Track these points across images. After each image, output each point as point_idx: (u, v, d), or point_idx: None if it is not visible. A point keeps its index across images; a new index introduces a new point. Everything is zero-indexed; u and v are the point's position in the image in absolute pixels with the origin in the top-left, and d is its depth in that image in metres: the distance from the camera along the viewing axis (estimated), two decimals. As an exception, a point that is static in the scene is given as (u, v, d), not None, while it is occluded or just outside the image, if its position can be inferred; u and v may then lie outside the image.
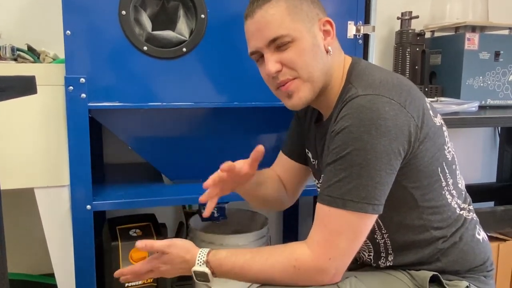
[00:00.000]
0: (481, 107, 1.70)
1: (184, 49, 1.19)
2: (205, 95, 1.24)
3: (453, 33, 1.78)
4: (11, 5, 1.53)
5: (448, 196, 0.91)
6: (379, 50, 1.93)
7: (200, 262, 0.89)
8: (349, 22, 1.30)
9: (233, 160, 1.18)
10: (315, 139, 1.01)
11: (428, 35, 1.85)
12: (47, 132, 1.18)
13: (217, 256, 0.89)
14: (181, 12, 1.19)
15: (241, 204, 1.70)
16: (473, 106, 1.60)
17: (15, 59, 1.28)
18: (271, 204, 1.15)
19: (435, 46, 1.82)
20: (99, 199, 1.23)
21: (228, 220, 1.53)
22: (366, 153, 0.78)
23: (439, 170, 0.88)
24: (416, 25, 1.80)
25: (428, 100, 0.92)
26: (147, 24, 1.17)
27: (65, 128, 1.16)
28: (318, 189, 1.06)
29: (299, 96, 0.90)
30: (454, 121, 1.45)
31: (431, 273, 0.90)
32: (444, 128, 0.93)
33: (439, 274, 0.90)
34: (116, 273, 0.96)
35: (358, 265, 1.02)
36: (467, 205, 0.96)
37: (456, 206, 0.92)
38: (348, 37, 1.31)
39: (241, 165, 0.95)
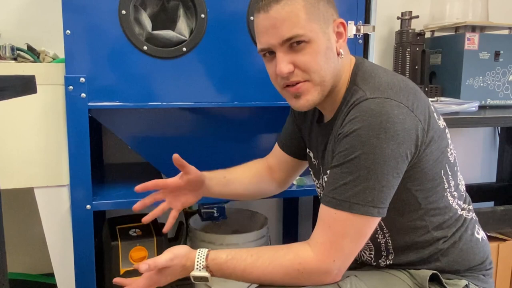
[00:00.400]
0: (481, 107, 1.70)
1: (184, 49, 1.19)
2: (205, 95, 1.24)
3: (453, 33, 1.78)
4: (11, 4, 1.52)
5: (450, 198, 0.91)
6: (379, 50, 1.93)
7: (200, 267, 0.88)
8: (349, 22, 1.30)
9: (233, 160, 1.19)
10: (317, 140, 1.01)
11: (428, 35, 1.85)
12: (47, 132, 1.18)
13: (217, 260, 0.88)
14: (181, 12, 1.19)
15: (241, 204, 1.70)
16: (473, 106, 1.60)
17: (15, 59, 1.28)
18: (252, 197, 1.21)
19: (435, 46, 1.82)
20: (99, 198, 1.23)
21: (227, 220, 1.53)
22: (374, 157, 0.78)
23: (442, 172, 0.88)
24: (416, 25, 1.80)
25: (431, 102, 0.92)
26: (147, 23, 1.17)
27: (65, 127, 1.16)
28: (318, 189, 1.07)
29: (307, 98, 0.88)
30: (454, 121, 1.45)
31: (430, 272, 0.90)
32: (447, 130, 0.93)
33: (438, 273, 0.90)
34: (116, 280, 0.96)
35: (358, 264, 1.02)
36: (467, 205, 0.96)
37: (457, 207, 0.93)
38: (348, 37, 1.30)
39: (173, 179, 1.06)
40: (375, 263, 0.98)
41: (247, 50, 1.23)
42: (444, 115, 1.36)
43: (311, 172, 1.09)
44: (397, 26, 1.83)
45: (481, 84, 1.73)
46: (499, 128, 2.15)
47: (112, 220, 1.39)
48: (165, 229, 1.07)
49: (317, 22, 0.85)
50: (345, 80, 0.91)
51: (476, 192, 1.97)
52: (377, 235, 0.94)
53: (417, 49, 1.75)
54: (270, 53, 0.89)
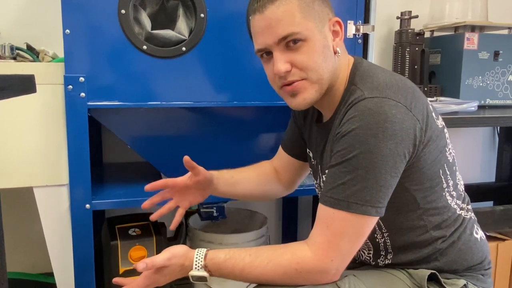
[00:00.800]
0: (480, 107, 1.70)
1: (184, 48, 1.19)
2: (204, 94, 1.24)
3: (453, 32, 1.78)
4: (11, 4, 1.52)
5: (449, 198, 0.91)
6: (378, 50, 1.93)
7: (198, 266, 0.88)
8: (348, 21, 1.30)
9: (233, 160, 1.19)
10: (316, 139, 1.01)
11: (427, 34, 1.85)
12: (46, 131, 1.18)
13: (215, 260, 0.88)
14: (180, 11, 1.19)
15: (241, 204, 1.70)
16: (472, 105, 1.60)
17: (14, 58, 1.28)
18: (258, 198, 1.21)
19: (435, 46, 1.82)
20: (98, 198, 1.23)
21: (227, 219, 1.53)
22: (372, 156, 0.78)
23: (441, 172, 0.89)
24: (416, 25, 1.80)
25: (429, 102, 0.92)
26: (147, 23, 1.17)
27: (64, 127, 1.16)
28: (317, 189, 1.07)
29: (304, 97, 0.88)
30: (454, 121, 1.45)
31: (429, 272, 0.90)
32: (445, 130, 0.93)
33: (437, 273, 0.90)
34: (115, 280, 0.96)
35: (357, 263, 1.02)
36: (465, 205, 0.96)
37: (456, 206, 0.93)
38: (347, 37, 1.31)
39: (182, 179, 1.06)
40: (373, 263, 0.98)
41: (247, 49, 1.23)
42: (444, 114, 1.36)
43: (311, 172, 1.09)
44: (396, 25, 1.83)
45: (481, 84, 1.73)
46: (498, 128, 2.15)
47: (111, 219, 1.39)
48: (172, 227, 1.07)
49: (313, 21, 0.85)
50: (343, 79, 0.91)
51: (475, 192, 1.97)
52: (375, 235, 0.94)
53: (417, 49, 1.75)
54: (267, 53, 0.89)
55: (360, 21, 1.31)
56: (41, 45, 1.37)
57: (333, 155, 0.84)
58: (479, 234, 0.97)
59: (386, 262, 0.96)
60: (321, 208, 0.84)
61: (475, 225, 0.98)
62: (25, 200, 1.52)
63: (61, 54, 1.22)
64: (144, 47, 1.17)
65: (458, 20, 1.75)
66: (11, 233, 1.61)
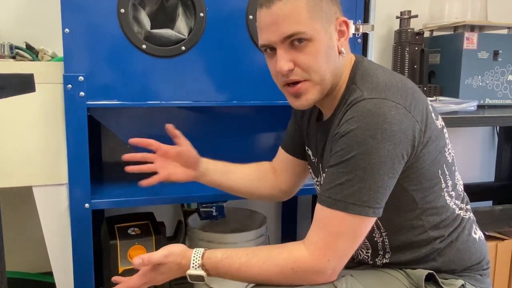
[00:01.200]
0: (479, 107, 1.70)
1: (183, 48, 1.19)
2: (204, 93, 1.24)
3: (452, 32, 1.78)
4: (10, 3, 1.52)
5: (447, 198, 0.91)
6: (378, 49, 1.93)
7: (195, 265, 0.88)
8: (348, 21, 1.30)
9: (232, 159, 1.19)
10: (316, 137, 1.01)
11: (427, 34, 1.85)
12: (46, 131, 1.18)
13: (212, 259, 0.88)
14: (180, 11, 1.19)
15: (240, 203, 1.70)
16: (471, 105, 1.60)
17: (14, 57, 1.28)
18: (248, 194, 1.18)
19: (434, 46, 1.82)
20: (98, 197, 1.23)
21: (226, 218, 1.53)
22: (371, 157, 0.78)
23: (440, 172, 0.89)
24: (415, 24, 1.80)
25: (429, 102, 0.92)
26: (146, 22, 1.17)
27: (63, 126, 1.16)
28: (317, 187, 1.07)
29: (307, 98, 0.88)
30: (453, 121, 1.45)
31: (426, 272, 0.90)
32: (445, 130, 0.93)
33: (434, 273, 0.90)
34: (114, 279, 0.96)
35: (354, 263, 1.02)
36: (464, 204, 0.96)
37: (454, 206, 0.93)
38: (347, 36, 1.31)
39: (167, 146, 1.08)
40: (371, 262, 0.98)
41: (246, 49, 1.23)
42: (443, 114, 1.36)
43: (310, 170, 1.09)
44: (396, 25, 1.83)
45: (480, 84, 1.73)
46: (497, 127, 2.15)
47: (110, 219, 1.39)
48: (142, 182, 1.07)
49: (320, 21, 0.85)
50: (345, 78, 0.91)
51: (474, 192, 1.97)
52: (374, 234, 0.94)
53: (416, 48, 1.75)
54: (272, 49, 0.88)
55: (359, 21, 1.31)
56: (41, 44, 1.37)
57: (332, 155, 0.84)
58: (478, 234, 0.97)
59: (384, 261, 0.96)
60: (319, 208, 0.84)
61: (473, 225, 0.98)
62: (24, 199, 1.52)
63: (60, 53, 1.22)
64: (144, 46, 1.17)
65: (457, 19, 1.75)
66: (10, 233, 1.61)
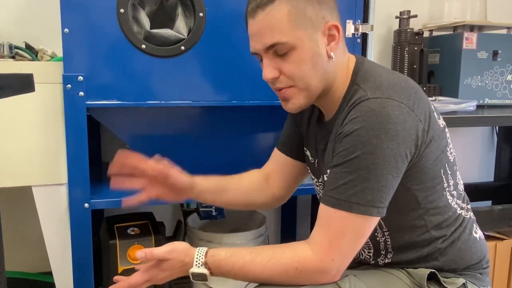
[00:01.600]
0: (479, 107, 1.70)
1: (183, 48, 1.19)
2: (203, 93, 1.24)
3: (451, 32, 1.78)
4: (10, 3, 1.52)
5: (449, 197, 0.91)
6: (377, 49, 1.94)
7: (199, 263, 0.88)
8: (347, 21, 1.30)
9: (232, 159, 1.18)
10: (315, 138, 1.01)
11: (426, 34, 1.85)
12: (45, 130, 1.18)
13: (216, 257, 0.88)
14: (179, 10, 1.19)
15: (239, 203, 1.70)
16: (471, 105, 1.60)
17: (13, 57, 1.28)
18: (242, 207, 1.16)
19: (434, 45, 1.83)
20: (97, 197, 1.23)
21: (226, 218, 1.53)
22: (375, 157, 0.78)
23: (442, 171, 0.89)
24: (415, 24, 1.80)
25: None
26: (146, 22, 1.17)
27: (63, 126, 1.16)
28: (317, 188, 1.07)
29: (294, 102, 0.89)
30: (452, 121, 1.45)
31: (428, 271, 0.90)
32: (446, 129, 0.93)
33: (436, 272, 0.90)
34: (116, 278, 0.95)
35: (357, 263, 1.02)
36: (465, 204, 0.96)
37: (456, 206, 0.93)
38: (346, 36, 1.31)
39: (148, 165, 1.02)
40: (373, 262, 0.98)
41: (246, 49, 1.21)
42: (442, 114, 1.35)
43: (309, 171, 1.09)
44: (395, 25, 1.83)
45: (479, 84, 1.73)
46: (497, 127, 2.16)
47: (110, 218, 1.39)
48: (124, 203, 1.03)
49: (303, 28, 0.84)
50: (342, 79, 0.91)
51: (473, 191, 1.96)
52: (376, 234, 0.94)
53: (416, 48, 1.75)
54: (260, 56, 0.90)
55: (359, 21, 1.31)
56: (40, 44, 1.37)
57: (335, 155, 0.84)
58: (478, 233, 0.98)
59: (386, 261, 0.96)
60: (322, 208, 0.84)
61: (474, 224, 0.98)
62: (24, 199, 1.52)
63: (60, 53, 1.22)
64: (143, 46, 1.17)
65: (457, 19, 1.76)
66: (10, 232, 1.61)
